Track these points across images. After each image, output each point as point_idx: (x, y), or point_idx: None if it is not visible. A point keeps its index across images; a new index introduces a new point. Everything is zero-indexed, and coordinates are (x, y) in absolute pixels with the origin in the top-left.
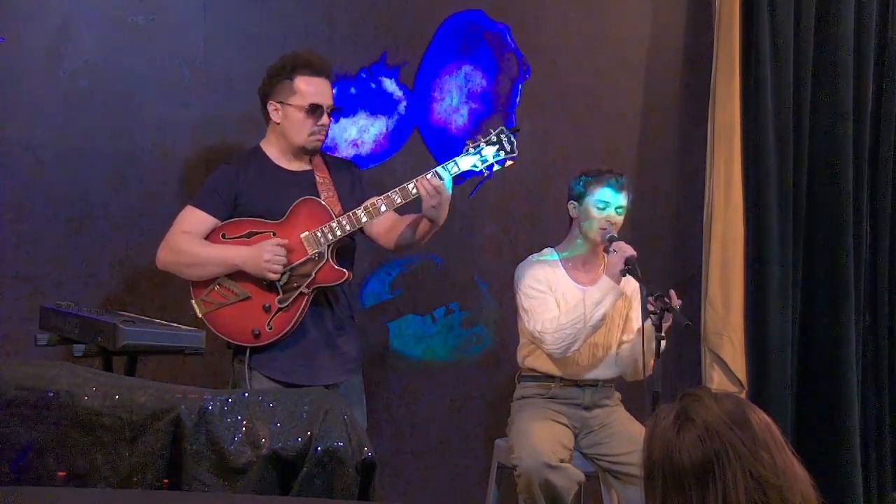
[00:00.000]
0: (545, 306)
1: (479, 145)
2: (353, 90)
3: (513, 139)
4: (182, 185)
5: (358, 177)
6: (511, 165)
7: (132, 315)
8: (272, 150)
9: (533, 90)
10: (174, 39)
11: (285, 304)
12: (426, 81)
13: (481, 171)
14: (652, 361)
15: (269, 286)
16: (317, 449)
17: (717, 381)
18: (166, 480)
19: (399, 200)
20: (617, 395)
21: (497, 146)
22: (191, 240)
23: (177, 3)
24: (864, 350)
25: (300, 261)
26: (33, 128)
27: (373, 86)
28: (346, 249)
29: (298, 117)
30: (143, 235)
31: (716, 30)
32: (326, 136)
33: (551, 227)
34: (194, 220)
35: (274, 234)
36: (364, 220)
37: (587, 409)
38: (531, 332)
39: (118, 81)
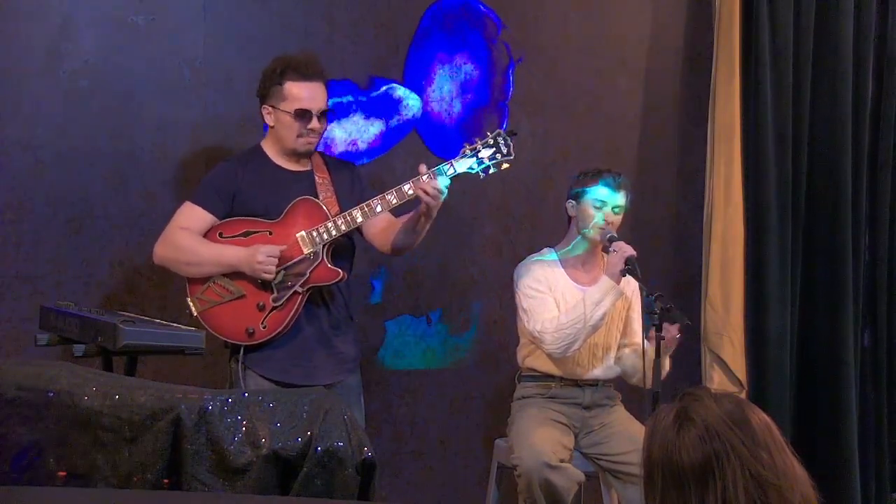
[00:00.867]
0: (545, 306)
1: (476, 148)
2: (349, 97)
3: (509, 142)
4: (182, 185)
5: (357, 176)
6: (507, 168)
7: (132, 315)
8: (271, 150)
9: (533, 90)
10: (174, 39)
11: (279, 303)
12: (416, 73)
13: (477, 172)
14: (651, 373)
15: (264, 285)
16: (317, 449)
17: (717, 381)
18: (166, 480)
19: (395, 201)
20: (617, 394)
21: (494, 149)
22: (189, 236)
23: (177, 3)
24: (862, 350)
25: (295, 260)
26: (33, 128)
27: (374, 93)
28: (343, 249)
29: (287, 121)
30: (143, 235)
31: (716, 30)
32: (320, 138)
33: (551, 227)
34: (192, 217)
35: (270, 234)
36: (360, 219)
37: (587, 408)
38: (531, 332)
39: (118, 81)
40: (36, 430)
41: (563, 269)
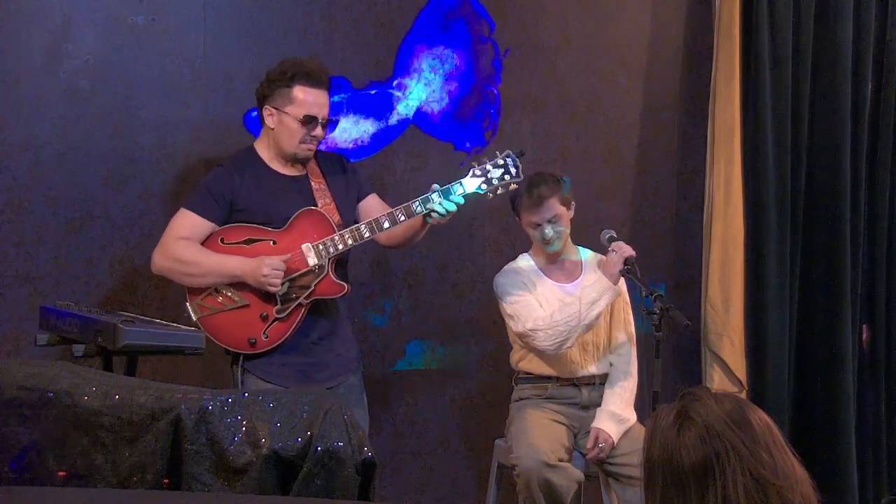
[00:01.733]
0: (529, 307)
1: (485, 168)
2: (345, 95)
3: (518, 163)
4: (182, 185)
5: (352, 171)
6: (514, 189)
7: (132, 315)
8: (265, 152)
9: (533, 90)
10: (174, 39)
11: (283, 315)
12: (410, 70)
13: (486, 192)
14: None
15: (269, 296)
16: (317, 449)
17: (717, 381)
18: (166, 480)
19: (403, 219)
20: None
21: (503, 170)
22: (189, 246)
23: (177, 3)
24: (861, 350)
25: (300, 272)
26: (33, 128)
27: (371, 91)
28: (342, 259)
29: (292, 126)
30: (143, 235)
31: (716, 30)
32: (318, 145)
33: None
34: (190, 225)
35: (274, 243)
36: (367, 235)
37: (585, 408)
38: (522, 332)
39: (118, 81)
40: (36, 430)
41: (539, 270)
